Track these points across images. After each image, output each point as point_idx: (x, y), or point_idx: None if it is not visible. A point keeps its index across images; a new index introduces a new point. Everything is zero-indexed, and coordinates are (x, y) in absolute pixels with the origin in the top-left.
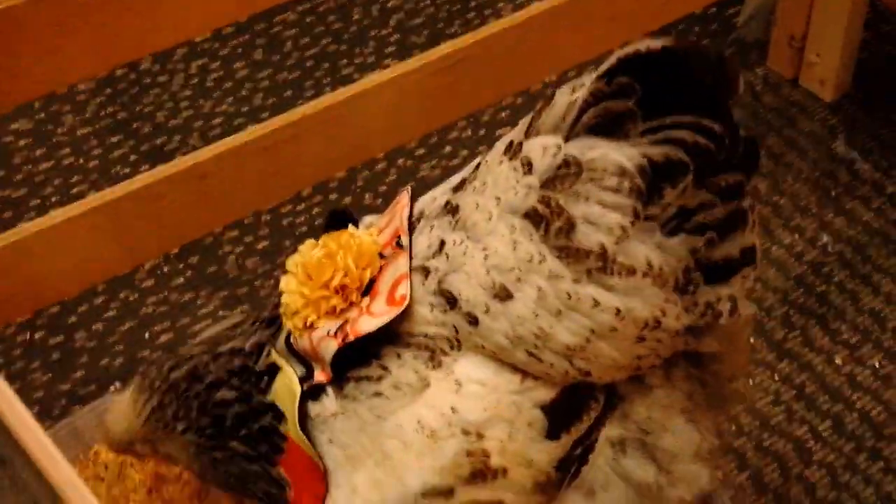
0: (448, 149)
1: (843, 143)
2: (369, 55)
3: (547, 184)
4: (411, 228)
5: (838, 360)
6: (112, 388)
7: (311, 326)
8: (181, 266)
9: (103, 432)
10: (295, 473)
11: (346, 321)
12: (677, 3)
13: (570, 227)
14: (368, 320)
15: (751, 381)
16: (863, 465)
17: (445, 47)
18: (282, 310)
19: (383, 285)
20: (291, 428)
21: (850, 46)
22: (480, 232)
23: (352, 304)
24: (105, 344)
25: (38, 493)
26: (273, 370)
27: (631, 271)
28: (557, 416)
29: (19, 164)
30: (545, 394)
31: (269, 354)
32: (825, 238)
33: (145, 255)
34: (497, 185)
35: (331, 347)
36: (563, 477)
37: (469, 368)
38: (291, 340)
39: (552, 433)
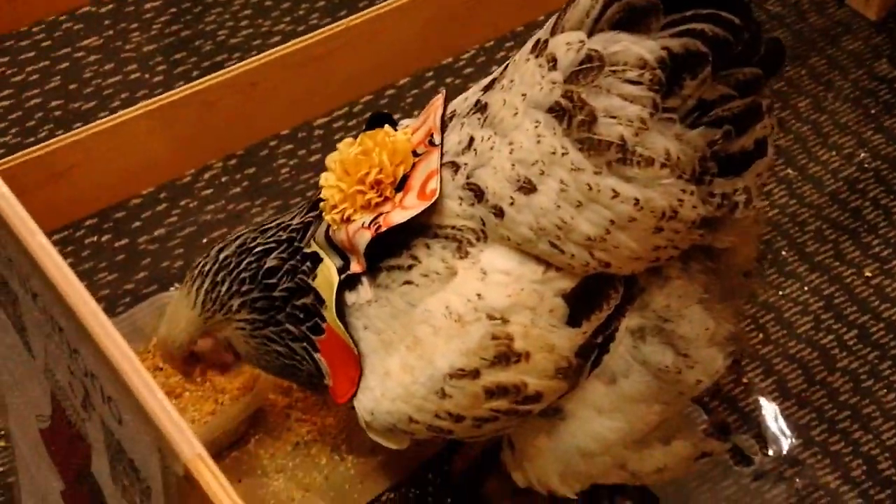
0: (495, 67)
1: (886, 62)
2: None
3: (570, 78)
4: (443, 127)
5: (868, 273)
6: (172, 288)
7: (348, 220)
8: (238, 176)
9: (162, 344)
10: (332, 359)
11: (380, 214)
12: None
13: (592, 119)
14: (400, 213)
15: (780, 292)
16: (886, 371)
17: None
18: (322, 204)
19: (416, 181)
20: (329, 314)
21: None
22: (507, 127)
23: (386, 198)
24: (166, 247)
25: (101, 376)
26: (315, 258)
27: (649, 162)
28: (578, 305)
29: (89, 78)
30: (566, 283)
31: (311, 240)
32: (862, 155)
33: (199, 160)
34: (523, 81)
35: (364, 238)
36: (584, 364)
37: (494, 258)
38: (330, 233)
39: (573, 320)
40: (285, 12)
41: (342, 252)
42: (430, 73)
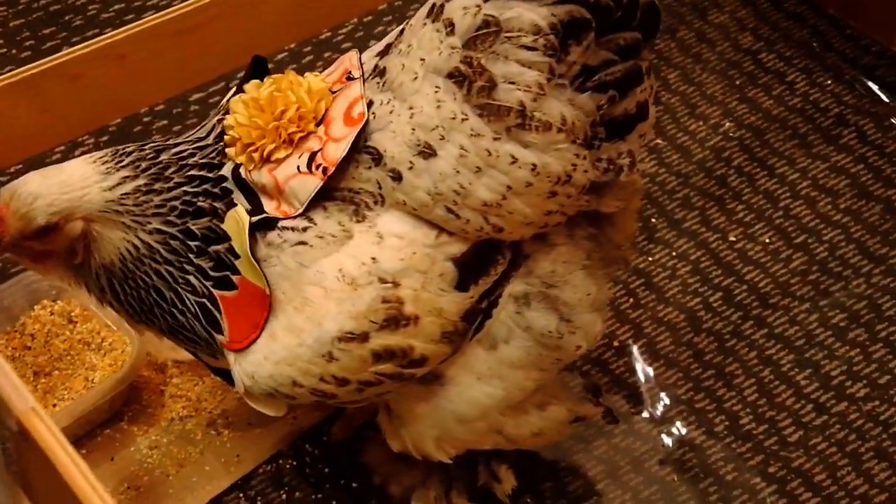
0: (372, 41)
1: (750, 35)
2: None
3: (469, 44)
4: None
5: (732, 237)
6: None
7: (269, 159)
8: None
9: (22, 199)
10: (233, 309)
11: (313, 153)
12: None
13: (492, 85)
14: (335, 146)
15: (649, 258)
16: (748, 331)
17: None
18: (229, 142)
19: (337, 111)
20: (244, 262)
21: None
22: (406, 92)
23: (309, 133)
24: None
25: None
26: (230, 200)
27: (547, 127)
28: (467, 270)
29: None
30: (457, 248)
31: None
32: (727, 124)
33: (69, 134)
34: (422, 46)
35: (310, 184)
36: (468, 328)
37: (390, 223)
38: (243, 175)
39: (461, 285)
40: None
41: (252, 194)
42: (308, 48)
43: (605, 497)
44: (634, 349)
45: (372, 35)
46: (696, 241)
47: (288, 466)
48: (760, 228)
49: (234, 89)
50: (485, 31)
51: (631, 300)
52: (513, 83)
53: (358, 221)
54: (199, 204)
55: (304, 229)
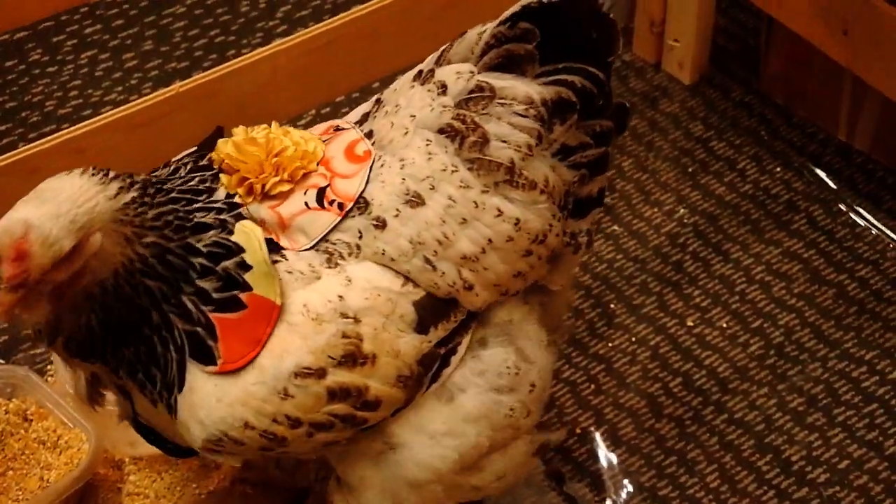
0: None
1: (700, 124)
2: (256, 46)
3: (461, 104)
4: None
5: (690, 322)
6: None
7: (268, 194)
8: None
9: (49, 225)
10: (233, 335)
11: (321, 189)
12: None
13: (485, 141)
14: (346, 182)
15: (609, 344)
16: (708, 416)
17: (315, 28)
18: (224, 178)
19: (334, 152)
20: (257, 272)
21: (705, 30)
22: (397, 146)
23: (310, 171)
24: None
25: None
26: (237, 211)
27: (532, 185)
28: (427, 313)
29: None
30: (420, 293)
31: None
32: (681, 211)
33: None
34: (411, 105)
35: (325, 219)
36: (424, 374)
37: (360, 270)
38: (243, 210)
39: (420, 327)
40: (116, 82)
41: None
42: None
43: None
44: (597, 436)
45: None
46: (654, 326)
47: None
48: (718, 313)
49: (193, 149)
50: (478, 94)
51: (592, 386)
52: (505, 141)
53: (329, 268)
54: (199, 219)
55: (274, 262)
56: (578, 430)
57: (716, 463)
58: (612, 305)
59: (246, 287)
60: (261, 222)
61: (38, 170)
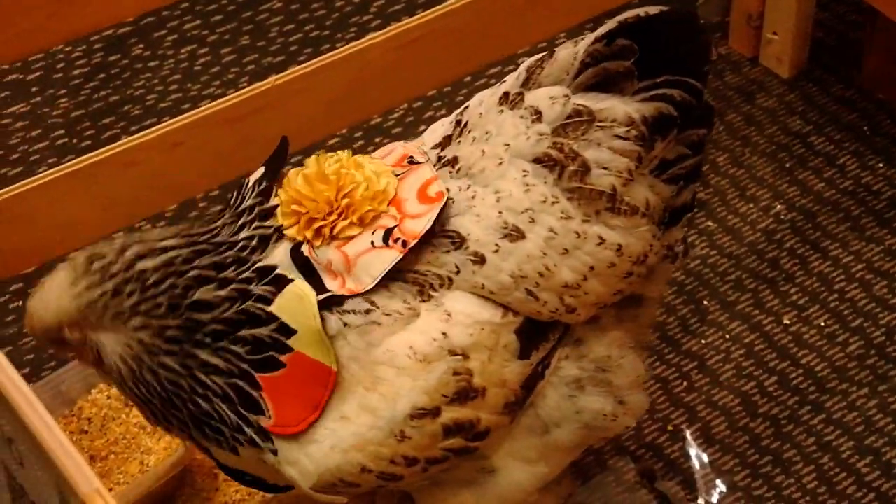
0: (423, 126)
1: (798, 118)
2: (350, 40)
3: (558, 130)
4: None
5: (786, 321)
6: None
7: (339, 236)
8: None
9: (28, 316)
10: (282, 391)
11: (389, 229)
12: None
13: (585, 169)
14: (414, 221)
15: (703, 341)
16: (805, 416)
17: (406, 23)
18: (290, 220)
19: (407, 192)
20: (305, 336)
21: (804, 25)
22: (490, 177)
23: (381, 213)
24: None
25: (2, 417)
26: (279, 279)
27: (634, 210)
28: (529, 338)
29: (16, 144)
30: (519, 320)
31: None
32: (778, 207)
33: (125, 220)
34: (503, 132)
35: (387, 257)
36: (527, 396)
37: (457, 303)
38: (306, 252)
39: (523, 354)
40: (214, 76)
41: (311, 273)
42: (359, 133)
43: None
44: (688, 434)
45: (422, 120)
46: (749, 324)
47: None
48: (815, 311)
49: (260, 169)
50: (576, 119)
51: (684, 383)
52: (606, 168)
53: (423, 301)
54: (199, 297)
55: (368, 311)
56: (670, 428)
57: (813, 464)
58: (705, 302)
59: (284, 349)
60: (326, 265)
61: (137, 162)
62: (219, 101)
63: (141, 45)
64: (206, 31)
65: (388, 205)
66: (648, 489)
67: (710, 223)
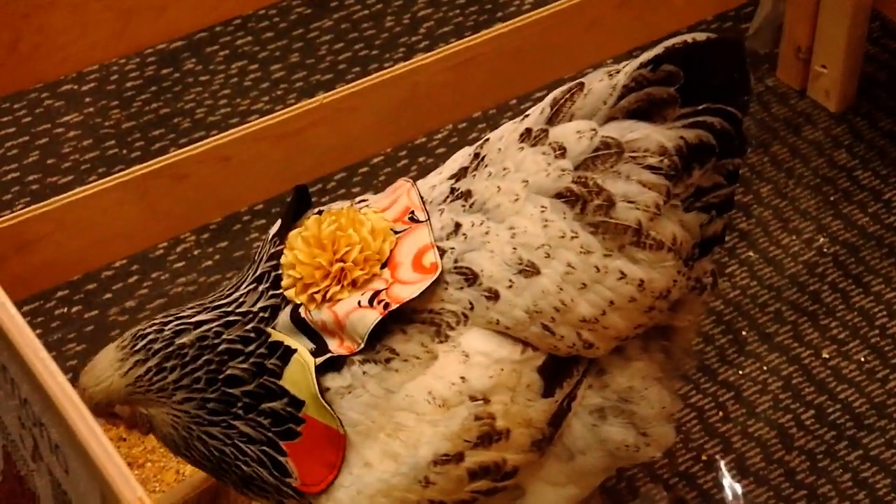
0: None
1: (845, 152)
2: (399, 60)
3: (583, 165)
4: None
5: (825, 354)
6: None
7: (333, 301)
8: (210, 250)
9: (80, 391)
10: (302, 455)
11: (377, 292)
12: (690, 10)
13: (610, 204)
14: (403, 287)
15: (740, 372)
16: (842, 452)
17: (455, 45)
18: (288, 283)
19: (403, 256)
20: (311, 405)
21: (854, 58)
22: (505, 213)
23: (374, 276)
24: (136, 319)
25: (49, 424)
26: (285, 351)
27: (660, 245)
28: (552, 375)
29: (67, 153)
30: (540, 358)
31: (274, 327)
32: (821, 240)
33: (171, 231)
34: (522, 169)
35: (368, 318)
36: (555, 432)
37: (474, 341)
38: (303, 314)
39: (548, 391)
40: (263, 92)
41: (313, 333)
42: (404, 153)
43: None
44: (722, 464)
45: (466, 141)
46: (787, 357)
47: None
48: (855, 346)
49: (279, 221)
50: (604, 152)
51: (720, 413)
52: (632, 202)
53: (440, 342)
54: (234, 372)
55: (387, 360)
56: (704, 458)
57: (848, 500)
58: (743, 332)
59: (298, 421)
60: (321, 325)
61: (185, 175)
62: (267, 116)
63: (193, 60)
64: (258, 47)
65: (384, 267)
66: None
67: (751, 254)
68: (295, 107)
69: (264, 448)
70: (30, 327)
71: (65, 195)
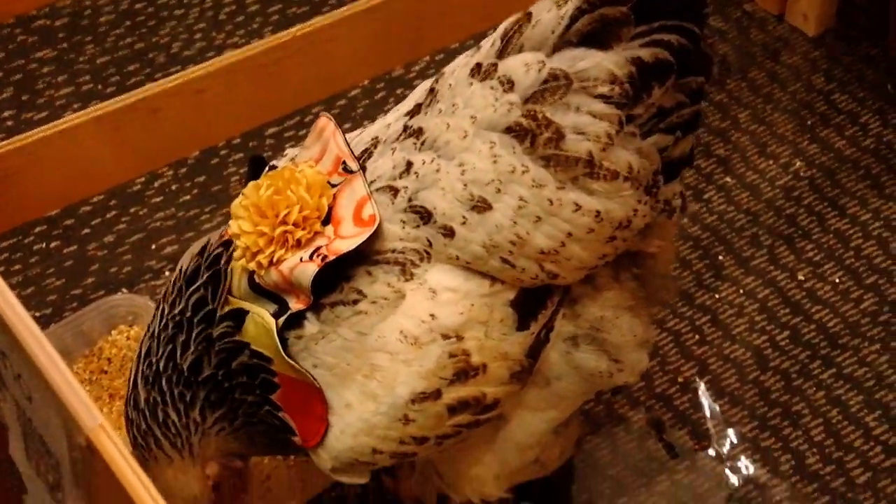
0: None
1: (822, 76)
2: None
3: (532, 98)
4: (366, 154)
5: (801, 277)
6: (119, 293)
7: (279, 262)
8: (188, 184)
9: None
10: (292, 409)
11: (318, 248)
12: None
13: (559, 136)
14: (342, 242)
15: (716, 296)
16: (816, 371)
17: None
18: (238, 254)
19: (344, 210)
20: (277, 360)
21: None
22: (454, 150)
23: (316, 234)
24: (115, 254)
25: (11, 354)
26: (235, 314)
27: (614, 175)
28: (526, 309)
29: (42, 89)
30: (512, 292)
31: (225, 299)
32: (798, 164)
33: (148, 166)
34: (470, 105)
35: (309, 271)
36: (534, 363)
37: (440, 277)
38: (257, 280)
39: (522, 324)
40: (239, 26)
41: (274, 296)
42: (381, 85)
43: None
44: (700, 386)
45: None
46: (764, 280)
47: (353, 492)
48: (830, 268)
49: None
50: (553, 83)
51: (696, 336)
52: (582, 133)
53: (406, 280)
54: (188, 363)
55: (355, 302)
56: (681, 380)
57: (821, 417)
58: (720, 258)
59: (270, 371)
60: (273, 286)
61: (160, 109)
62: (242, 49)
63: None
64: None
65: (327, 224)
66: (657, 439)
67: (728, 179)
68: (270, 39)
69: (268, 409)
70: (4, 263)
71: (39, 129)
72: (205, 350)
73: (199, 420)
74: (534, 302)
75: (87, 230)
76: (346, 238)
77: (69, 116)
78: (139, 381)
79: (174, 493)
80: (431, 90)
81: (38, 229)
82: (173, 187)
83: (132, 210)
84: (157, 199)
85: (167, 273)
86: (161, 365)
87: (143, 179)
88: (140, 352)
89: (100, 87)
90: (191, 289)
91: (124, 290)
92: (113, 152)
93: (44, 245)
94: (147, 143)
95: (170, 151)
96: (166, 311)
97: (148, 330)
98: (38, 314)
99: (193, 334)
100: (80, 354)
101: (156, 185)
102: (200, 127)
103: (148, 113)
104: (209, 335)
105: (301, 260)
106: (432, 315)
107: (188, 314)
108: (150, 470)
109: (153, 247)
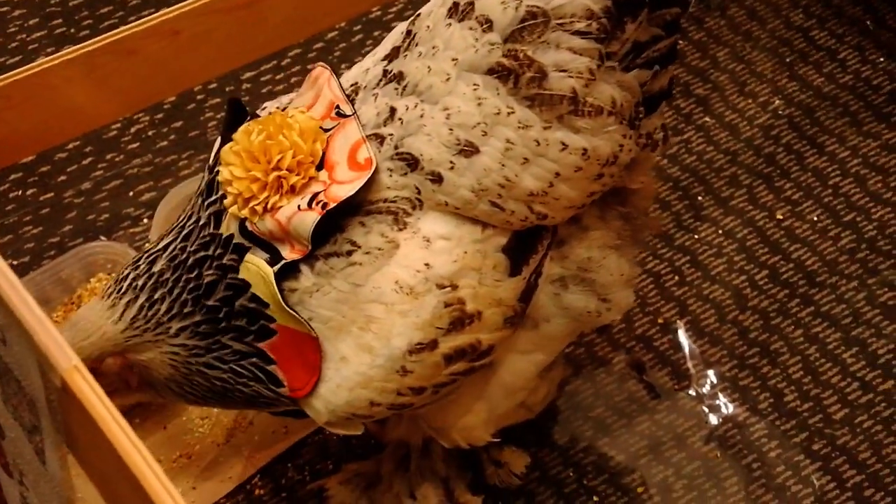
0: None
1: (801, 12)
2: None
3: (511, 37)
4: (351, 100)
5: (779, 216)
6: (98, 240)
7: (273, 208)
8: (165, 130)
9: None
10: (284, 359)
11: (315, 194)
12: None
13: (542, 75)
14: (340, 187)
15: (695, 236)
16: (794, 309)
17: None
18: (229, 201)
19: (338, 155)
20: (278, 313)
21: None
22: (438, 94)
23: (311, 179)
24: (92, 200)
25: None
26: (239, 247)
27: (599, 111)
28: (517, 254)
29: (14, 32)
30: (504, 237)
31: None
32: (777, 102)
33: (124, 109)
34: (450, 46)
35: (308, 220)
36: (526, 307)
37: (433, 225)
38: (249, 227)
39: (514, 270)
40: None
41: (266, 244)
42: (359, 27)
43: (647, 472)
44: (679, 326)
45: None
46: (743, 219)
47: (335, 437)
48: (809, 206)
49: (219, 139)
50: (531, 22)
51: (676, 277)
52: (564, 71)
53: (400, 229)
54: (207, 280)
55: (349, 253)
56: (661, 321)
57: (799, 355)
58: (699, 198)
59: (269, 318)
60: (269, 234)
61: (134, 51)
62: None
63: None
64: None
65: (321, 169)
66: (638, 380)
67: (707, 119)
68: None
69: (254, 360)
70: None
71: (11, 73)
72: (219, 278)
73: (170, 330)
74: (525, 247)
75: (63, 177)
76: (342, 183)
77: (42, 60)
78: (167, 255)
79: (76, 324)
80: (408, 32)
81: (13, 176)
82: (150, 133)
83: (109, 156)
84: (134, 146)
85: (145, 220)
86: (191, 261)
87: (119, 125)
88: (181, 231)
89: (73, 30)
90: (210, 199)
91: (102, 237)
92: (88, 96)
93: (20, 192)
94: (123, 86)
95: (146, 94)
96: (198, 205)
97: (198, 201)
98: (15, 262)
99: (216, 254)
100: (58, 302)
101: (132, 130)
102: (176, 68)
103: (123, 55)
104: (223, 265)
105: (299, 208)
106: (427, 264)
107: (209, 226)
108: (95, 301)
109: (130, 193)
